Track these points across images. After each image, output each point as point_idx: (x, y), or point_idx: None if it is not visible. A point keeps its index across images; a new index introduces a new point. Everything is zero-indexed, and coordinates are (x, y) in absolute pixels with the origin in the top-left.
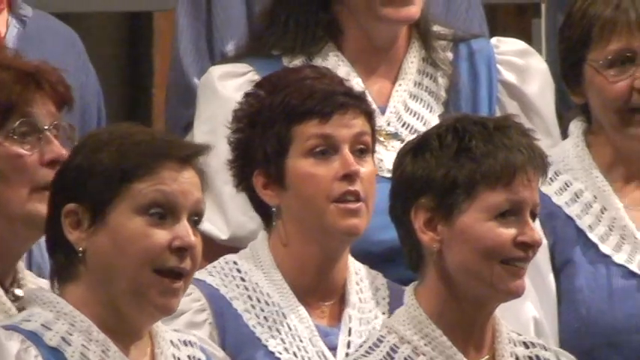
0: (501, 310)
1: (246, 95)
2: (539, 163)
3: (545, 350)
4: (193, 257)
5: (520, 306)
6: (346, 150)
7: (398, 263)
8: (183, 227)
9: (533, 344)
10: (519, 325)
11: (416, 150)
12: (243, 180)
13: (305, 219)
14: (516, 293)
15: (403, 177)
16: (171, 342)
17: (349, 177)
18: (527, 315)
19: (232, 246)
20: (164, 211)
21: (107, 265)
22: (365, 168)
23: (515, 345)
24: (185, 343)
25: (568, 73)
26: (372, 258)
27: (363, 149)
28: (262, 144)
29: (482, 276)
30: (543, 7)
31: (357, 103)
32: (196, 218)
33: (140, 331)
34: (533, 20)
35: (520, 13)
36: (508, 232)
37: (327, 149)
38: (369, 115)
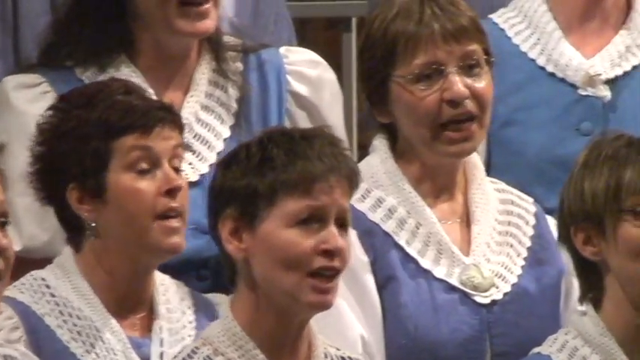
0: (328, 330)
1: (54, 109)
2: (345, 171)
3: None
4: (7, 258)
5: (346, 325)
6: (167, 164)
7: (191, 275)
8: None
9: (350, 359)
10: (347, 345)
11: (226, 162)
12: (50, 193)
13: (125, 234)
14: (319, 308)
15: (214, 189)
16: None
17: (172, 192)
18: (355, 334)
19: (25, 257)
20: None
21: None
22: (182, 183)
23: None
24: (5, 358)
25: (373, 92)
26: (167, 270)
27: (178, 165)
28: (78, 158)
29: (285, 287)
30: (354, 21)
31: (172, 117)
32: (3, 220)
33: None
34: (344, 35)
35: (330, 27)
36: (309, 240)
37: (148, 164)
38: (182, 129)
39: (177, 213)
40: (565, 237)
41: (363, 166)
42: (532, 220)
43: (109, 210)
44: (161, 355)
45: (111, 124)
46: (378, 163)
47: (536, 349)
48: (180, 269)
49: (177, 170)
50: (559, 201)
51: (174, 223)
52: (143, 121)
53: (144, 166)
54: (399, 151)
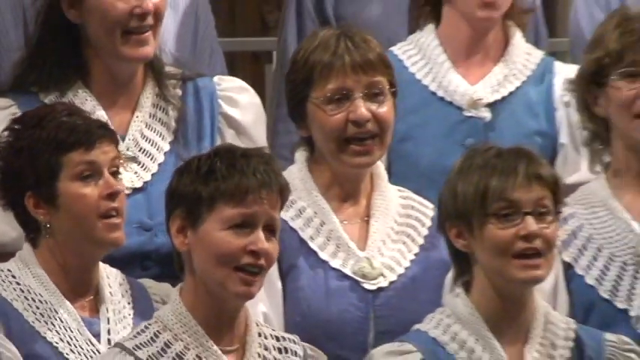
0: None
1: (9, 129)
2: (275, 187)
3: (295, 344)
4: None
5: (251, 303)
6: (107, 173)
7: (136, 266)
8: None
9: (284, 338)
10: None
11: (181, 170)
12: (11, 200)
13: (74, 232)
14: (244, 297)
15: (169, 192)
16: None
17: (112, 195)
18: (258, 311)
19: None
20: None
21: None
22: (120, 187)
23: (266, 338)
24: None
25: (294, 110)
26: (112, 261)
27: (116, 171)
28: (33, 171)
29: (216, 278)
30: (275, 54)
31: (109, 134)
32: None
33: None
34: (266, 66)
35: (255, 60)
36: (239, 241)
37: (92, 173)
38: (117, 143)
39: (117, 212)
40: (442, 231)
41: (285, 173)
42: (428, 223)
43: (61, 213)
44: (108, 331)
45: (59, 141)
46: (295, 171)
47: (416, 326)
48: (128, 261)
49: (115, 176)
50: (437, 200)
51: (115, 220)
52: (86, 139)
53: (88, 175)
54: (315, 161)
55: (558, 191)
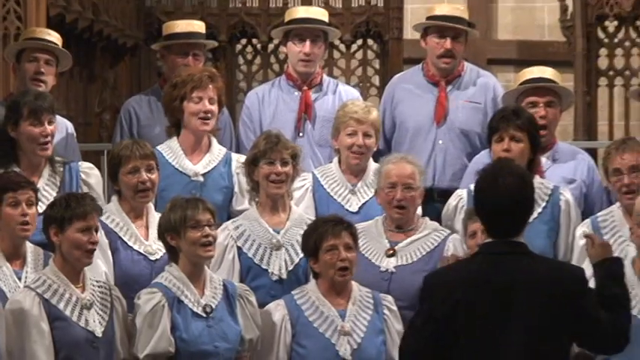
0: (91, 270)
1: None
2: (97, 209)
3: (106, 282)
4: None
5: (98, 267)
6: (24, 204)
7: (42, 248)
8: None
9: (100, 281)
10: (99, 275)
11: (51, 205)
12: None
13: (7, 231)
14: (89, 263)
15: (45, 216)
16: None
17: (25, 215)
18: (102, 270)
19: None
20: None
21: None
22: (32, 210)
23: (92, 281)
24: None
25: (112, 178)
26: (37, 244)
27: (32, 203)
28: None
29: (75, 256)
30: (105, 152)
31: (28, 185)
32: None
33: None
34: (101, 157)
35: (96, 154)
36: (85, 238)
37: (15, 203)
38: (34, 191)
39: (28, 223)
40: (161, 238)
41: (109, 205)
42: None
43: (2, 221)
44: (26, 278)
45: (1, 187)
46: (113, 205)
47: (155, 280)
48: (40, 244)
49: (30, 206)
50: (158, 224)
51: (26, 227)
52: (13, 187)
53: (13, 204)
54: (123, 199)
55: (215, 215)
